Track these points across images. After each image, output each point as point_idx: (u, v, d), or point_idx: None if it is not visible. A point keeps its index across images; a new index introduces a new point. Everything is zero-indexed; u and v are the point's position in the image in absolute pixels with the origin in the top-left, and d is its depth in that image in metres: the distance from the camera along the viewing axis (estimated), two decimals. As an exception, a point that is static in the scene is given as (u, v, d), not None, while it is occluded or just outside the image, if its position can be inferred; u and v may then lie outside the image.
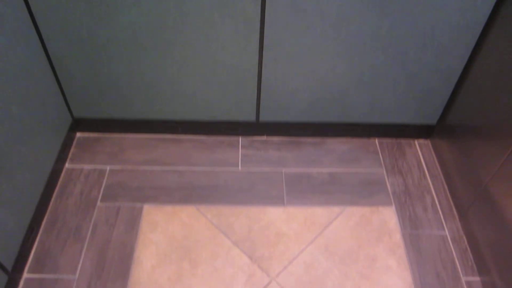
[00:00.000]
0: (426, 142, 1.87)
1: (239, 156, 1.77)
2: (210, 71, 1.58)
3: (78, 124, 1.81)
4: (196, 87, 1.63)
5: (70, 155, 1.76)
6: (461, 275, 1.45)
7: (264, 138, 1.85)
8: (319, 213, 1.59)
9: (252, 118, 1.75)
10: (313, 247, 1.50)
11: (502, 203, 1.32)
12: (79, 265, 1.44)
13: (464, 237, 1.55)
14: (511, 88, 1.31)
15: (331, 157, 1.78)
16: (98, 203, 1.61)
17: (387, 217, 1.59)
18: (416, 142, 1.87)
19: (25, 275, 1.41)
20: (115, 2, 1.37)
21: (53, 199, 1.62)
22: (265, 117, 1.74)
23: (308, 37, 1.47)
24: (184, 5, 1.38)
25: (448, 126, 1.71)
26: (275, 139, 1.84)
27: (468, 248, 1.52)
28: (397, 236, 1.54)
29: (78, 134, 1.85)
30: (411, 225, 1.58)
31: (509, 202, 1.29)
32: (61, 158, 1.70)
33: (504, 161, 1.31)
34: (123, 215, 1.57)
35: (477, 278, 1.45)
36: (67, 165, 1.73)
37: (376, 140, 1.86)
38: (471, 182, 1.51)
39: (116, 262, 1.45)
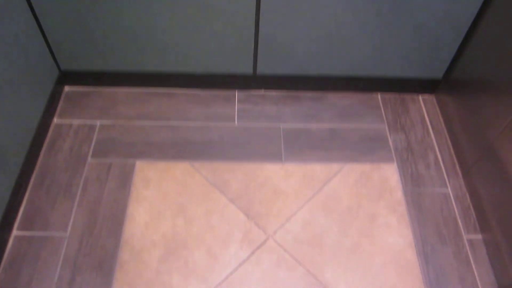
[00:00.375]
0: (431, 98, 1.81)
1: (235, 110, 1.71)
2: (203, 19, 1.49)
3: (66, 77, 1.73)
4: (189, 37, 1.55)
5: (58, 110, 1.70)
6: (463, 233, 1.43)
7: (261, 92, 1.78)
8: (318, 170, 1.55)
9: (249, 70, 1.68)
10: (312, 204, 1.46)
11: (507, 161, 1.27)
12: (70, 222, 1.41)
13: (467, 195, 1.52)
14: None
15: (332, 112, 1.73)
16: (89, 159, 1.56)
17: (389, 174, 1.56)
18: (420, 97, 1.81)
19: (14, 232, 1.38)
20: None
21: (41, 155, 1.57)
22: (262, 69, 1.67)
23: (310, -19, 1.38)
24: None
25: (455, 81, 1.65)
26: (273, 93, 1.78)
27: (471, 206, 1.49)
28: (398, 194, 1.51)
29: (67, 88, 1.78)
30: (413, 183, 1.54)
31: (517, 158, 1.25)
32: (49, 112, 1.64)
33: (514, 115, 1.26)
34: (114, 172, 1.53)
35: (479, 236, 1.43)
36: (55, 120, 1.67)
37: (379, 95, 1.80)
38: (477, 139, 1.47)
39: (108, 219, 1.42)
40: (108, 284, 1.28)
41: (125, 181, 1.51)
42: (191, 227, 1.40)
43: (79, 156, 1.57)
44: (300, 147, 1.61)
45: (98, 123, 1.66)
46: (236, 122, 1.68)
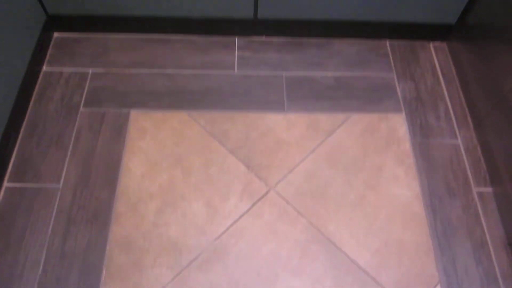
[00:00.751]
0: (442, 45, 1.72)
1: (235, 58, 1.63)
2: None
3: (55, 22, 1.65)
4: (185, -24, 1.46)
5: (47, 57, 1.62)
6: (473, 186, 1.39)
7: (262, 38, 1.70)
8: (322, 119, 1.49)
9: (250, 14, 1.59)
10: (315, 155, 1.42)
11: None
12: (63, 174, 1.36)
13: (478, 147, 1.47)
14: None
15: (337, 59, 1.65)
16: (81, 108, 1.50)
17: (396, 124, 1.50)
18: (431, 44, 1.72)
19: (5, 184, 1.34)
20: None
21: (31, 105, 1.51)
22: (264, 13, 1.58)
23: None
24: None
25: (468, 27, 1.56)
26: (275, 39, 1.69)
27: (482, 158, 1.45)
28: (406, 145, 1.46)
29: (56, 34, 1.69)
30: (422, 134, 1.49)
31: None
32: (37, 60, 1.56)
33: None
34: (108, 122, 1.47)
35: (489, 189, 1.39)
36: (44, 68, 1.60)
37: (387, 42, 1.72)
38: (490, 89, 1.40)
39: (103, 170, 1.38)
40: (103, 236, 1.25)
41: (119, 131, 1.45)
42: (189, 179, 1.35)
43: (71, 105, 1.51)
44: (303, 96, 1.55)
45: (90, 71, 1.59)
46: (235, 70, 1.60)
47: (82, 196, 1.32)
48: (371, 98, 1.56)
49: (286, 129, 1.46)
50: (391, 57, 1.67)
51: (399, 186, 1.37)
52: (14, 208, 1.29)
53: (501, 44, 1.34)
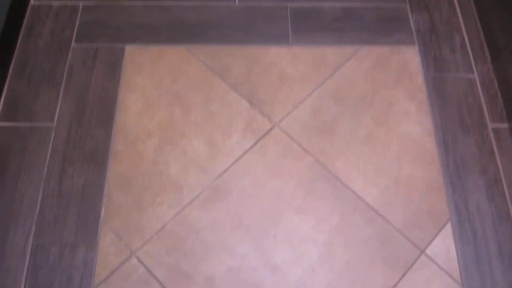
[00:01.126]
0: (461, -27, 1.62)
1: (236, -13, 1.55)
2: None
3: (40, -50, 1.55)
4: None
5: (34, -11, 1.54)
6: (488, 122, 1.34)
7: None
8: (329, 53, 1.42)
9: None
10: (322, 90, 1.36)
11: None
12: (57, 112, 1.32)
13: (495, 81, 1.41)
14: None
15: (346, -11, 1.56)
16: (73, 44, 1.44)
17: (409, 58, 1.43)
18: (448, -28, 1.62)
19: (-3, 122, 1.30)
20: None
21: (19, 41, 1.44)
22: None
23: None
24: None
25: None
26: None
27: (499, 93, 1.39)
28: (419, 79, 1.40)
29: (42, -35, 1.60)
30: (435, 67, 1.42)
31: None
32: (23, -9, 1.48)
33: None
34: (102, 57, 1.41)
35: (505, 125, 1.34)
36: (32, 1, 1.52)
37: (401, -31, 1.61)
38: (510, 20, 1.32)
39: (98, 108, 1.33)
40: (101, 175, 1.23)
41: (114, 67, 1.39)
42: (189, 116, 1.31)
43: (62, 40, 1.44)
44: (309, 28, 1.47)
45: (80, 3, 1.51)
46: (236, 1, 1.52)
47: (77, 134, 1.29)
48: (382, 29, 1.48)
49: (291, 63, 1.40)
50: (404, -14, 1.57)
51: (411, 122, 1.32)
52: (8, 148, 1.26)
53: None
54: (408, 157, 1.27)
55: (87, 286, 1.08)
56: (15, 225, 1.15)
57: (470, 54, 1.45)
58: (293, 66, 1.39)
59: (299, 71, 1.38)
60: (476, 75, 1.42)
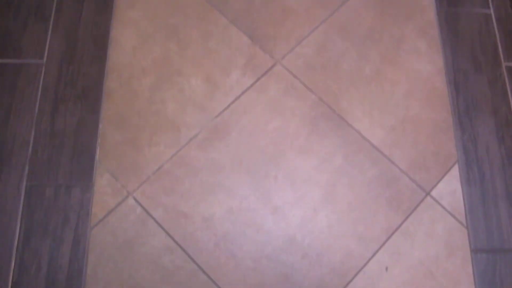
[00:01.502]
0: None
1: None
2: None
3: None
4: None
5: None
6: (502, 60, 1.29)
7: None
8: (336, -15, 1.35)
9: None
10: (327, 25, 1.30)
11: None
12: (46, 48, 1.27)
13: (513, 17, 1.34)
14: None
15: None
16: (61, -26, 1.36)
17: (421, -10, 1.36)
18: None
19: (-16, 58, 1.25)
20: None
21: (3, -30, 1.37)
22: None
23: None
24: None
25: None
26: None
27: (516, 29, 1.33)
28: (431, 14, 1.33)
29: None
30: (449, 1, 1.35)
31: None
32: None
33: None
34: (92, -11, 1.34)
35: (521, 63, 1.29)
36: None
37: None
38: None
39: (89, 44, 1.28)
40: (95, 114, 1.19)
41: (105, 0, 1.33)
42: (186, 52, 1.26)
43: (49, -29, 1.36)
44: (315, -43, 1.39)
45: None
46: None
47: (68, 72, 1.24)
48: (393, -41, 1.39)
49: (294, -5, 1.33)
50: None
51: (420, 60, 1.27)
52: (-4, 85, 1.22)
53: None
54: (416, 96, 1.23)
55: (83, 226, 1.07)
56: (8, 165, 1.13)
57: (487, -13, 1.38)
58: (297, -1, 1.32)
59: (303, 4, 1.31)
60: (492, 10, 1.35)
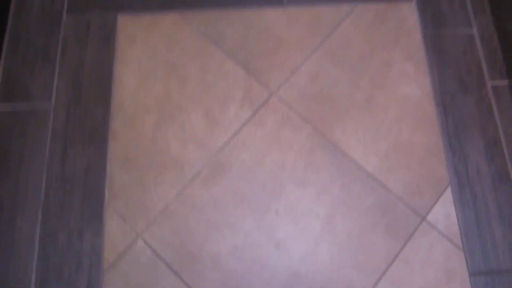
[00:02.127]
0: None
1: None
2: None
3: None
4: None
5: (19, -42, 1.20)
6: (487, 79, 1.07)
7: None
8: (325, 12, 1.12)
9: None
10: (319, 54, 1.08)
11: None
12: (54, 90, 1.06)
13: (495, 35, 1.11)
14: None
15: None
16: (64, 17, 1.13)
17: (406, 14, 1.13)
18: None
19: (-3, 103, 1.05)
20: None
21: (10, 17, 1.14)
22: None
23: None
24: None
25: None
26: None
27: (499, 48, 1.10)
28: (417, 37, 1.10)
29: None
30: (434, 23, 1.12)
31: None
32: (5, -40, 1.15)
33: None
34: (95, 29, 1.12)
35: (504, 82, 1.07)
36: (19, -29, 1.19)
37: None
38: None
39: (94, 84, 1.06)
40: (102, 156, 0.99)
41: (107, 39, 1.10)
42: (186, 88, 1.05)
43: (53, 14, 1.13)
44: (304, -13, 1.15)
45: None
46: (227, -40, 1.18)
47: (76, 114, 1.04)
48: (379, -16, 1.16)
49: (286, 25, 1.10)
50: None
51: (409, 83, 1.05)
52: (8, 132, 1.02)
53: None
54: (407, 120, 1.02)
55: (96, 271, 0.89)
56: (22, 212, 0.94)
57: (469, 7, 1.14)
58: (289, 29, 1.09)
59: (296, 34, 1.09)
60: (475, 30, 1.12)
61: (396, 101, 1.04)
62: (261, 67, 1.06)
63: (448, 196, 0.95)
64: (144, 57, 1.07)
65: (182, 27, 1.10)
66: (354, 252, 0.90)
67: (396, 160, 0.98)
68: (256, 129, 1.00)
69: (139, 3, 1.14)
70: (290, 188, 0.95)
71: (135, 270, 0.88)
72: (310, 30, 1.09)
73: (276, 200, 0.94)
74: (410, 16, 1.12)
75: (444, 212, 0.94)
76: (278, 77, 1.05)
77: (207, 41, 1.08)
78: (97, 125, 1.02)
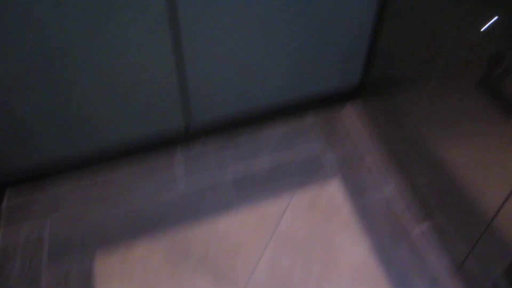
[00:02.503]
0: (357, 104, 1.63)
1: (178, 175, 1.47)
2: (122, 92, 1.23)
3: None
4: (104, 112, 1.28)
5: None
6: (412, 227, 1.29)
7: (199, 146, 1.54)
8: (269, 208, 1.35)
9: (182, 128, 1.43)
10: (272, 245, 1.27)
11: (434, 147, 1.14)
12: None
13: (409, 188, 1.37)
14: (422, 33, 1.09)
15: (268, 146, 1.51)
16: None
17: (333, 192, 1.39)
18: (345, 108, 1.63)
19: None
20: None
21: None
22: (196, 123, 1.43)
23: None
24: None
25: (373, 85, 1.47)
26: (210, 145, 1.54)
27: (415, 199, 1.35)
28: (345, 210, 1.34)
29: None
30: (356, 193, 1.38)
31: (439, 143, 1.10)
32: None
33: (429, 106, 1.12)
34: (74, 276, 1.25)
35: (427, 225, 1.29)
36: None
37: (309, 117, 1.60)
38: (404, 134, 1.31)
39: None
40: None
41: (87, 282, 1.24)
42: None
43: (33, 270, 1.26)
44: (248, 191, 1.40)
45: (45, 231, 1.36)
46: (181, 184, 1.44)
47: None
48: (305, 173, 1.44)
49: (240, 228, 1.31)
50: (314, 130, 1.56)
51: (349, 252, 1.24)
52: None
53: (402, 91, 1.27)
54: (360, 283, 1.18)
55: None
56: None
57: (383, 171, 1.43)
58: (242, 230, 1.30)
59: (249, 233, 1.29)
60: (391, 189, 1.39)
61: (345, 269, 1.21)
62: (227, 269, 1.22)
63: None
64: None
65: (152, 252, 1.27)
66: None
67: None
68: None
69: (112, 240, 1.32)
70: None
71: None
72: (260, 227, 1.30)
73: None
74: (336, 192, 1.38)
75: None
76: (244, 275, 1.21)
77: (175, 258, 1.25)
78: None
